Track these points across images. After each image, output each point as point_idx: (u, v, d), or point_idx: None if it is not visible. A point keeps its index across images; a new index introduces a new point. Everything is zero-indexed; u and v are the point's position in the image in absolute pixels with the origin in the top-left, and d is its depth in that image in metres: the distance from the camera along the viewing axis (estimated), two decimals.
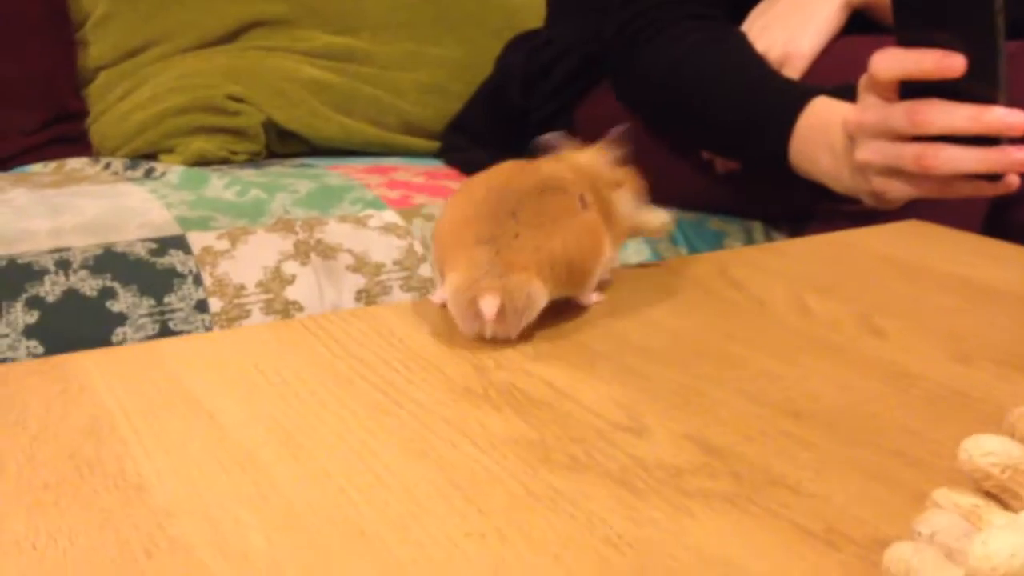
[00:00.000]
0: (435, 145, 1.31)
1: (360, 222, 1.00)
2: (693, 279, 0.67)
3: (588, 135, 1.22)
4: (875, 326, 0.59)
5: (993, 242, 0.76)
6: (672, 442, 0.46)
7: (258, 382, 0.52)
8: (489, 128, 1.27)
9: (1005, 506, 0.36)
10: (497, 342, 0.56)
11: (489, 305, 0.54)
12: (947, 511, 0.36)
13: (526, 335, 0.58)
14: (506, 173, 0.61)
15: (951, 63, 0.73)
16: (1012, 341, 0.57)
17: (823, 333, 0.59)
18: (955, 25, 0.72)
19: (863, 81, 0.81)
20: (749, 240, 1.10)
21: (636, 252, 1.09)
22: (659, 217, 0.69)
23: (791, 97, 0.92)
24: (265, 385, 0.51)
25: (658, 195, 1.16)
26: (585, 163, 0.66)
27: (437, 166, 1.22)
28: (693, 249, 1.10)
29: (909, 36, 0.75)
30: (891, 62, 0.77)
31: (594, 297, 0.63)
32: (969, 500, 0.36)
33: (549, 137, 0.69)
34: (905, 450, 0.46)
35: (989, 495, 0.38)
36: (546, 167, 0.62)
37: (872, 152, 0.79)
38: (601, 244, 0.61)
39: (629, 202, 0.67)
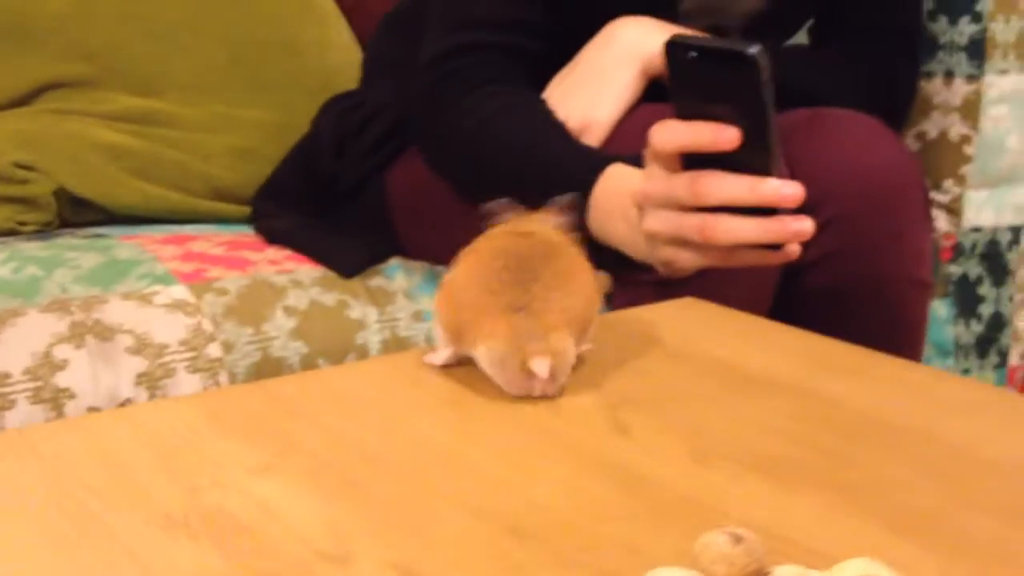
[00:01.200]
0: (246, 211, 1.26)
1: (145, 299, 0.95)
2: (450, 370, 0.65)
3: (400, 198, 1.20)
4: (621, 421, 0.58)
5: (766, 323, 0.76)
6: (375, 572, 0.43)
7: None
8: (299, 192, 1.24)
9: None
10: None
11: (542, 366, 0.59)
12: None
13: (255, 445, 0.54)
14: (506, 239, 0.66)
15: (726, 136, 0.73)
16: (752, 435, 0.56)
17: (568, 432, 0.57)
18: (727, 99, 0.72)
19: (648, 152, 0.81)
20: None
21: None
22: (600, 278, 0.74)
23: (587, 165, 0.92)
24: None
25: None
26: (545, 228, 0.70)
27: (242, 234, 1.18)
28: None
29: (686, 108, 0.75)
30: (669, 134, 0.77)
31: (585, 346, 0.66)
32: None
33: (494, 205, 0.72)
34: (618, 571, 0.44)
35: None
36: (535, 231, 0.67)
37: (658, 222, 0.79)
38: (598, 298, 0.67)
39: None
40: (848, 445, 0.55)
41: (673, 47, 0.72)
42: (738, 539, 0.37)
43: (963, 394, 0.63)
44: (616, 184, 0.88)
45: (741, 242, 0.75)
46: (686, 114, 0.75)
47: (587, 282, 0.65)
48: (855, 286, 0.88)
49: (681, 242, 0.79)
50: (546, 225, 0.70)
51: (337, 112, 1.24)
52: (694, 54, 0.71)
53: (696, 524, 0.47)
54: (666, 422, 0.58)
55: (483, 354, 0.61)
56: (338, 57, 1.39)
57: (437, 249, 1.16)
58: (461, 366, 0.64)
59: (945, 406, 0.60)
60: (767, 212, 0.74)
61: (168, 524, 0.47)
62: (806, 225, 0.72)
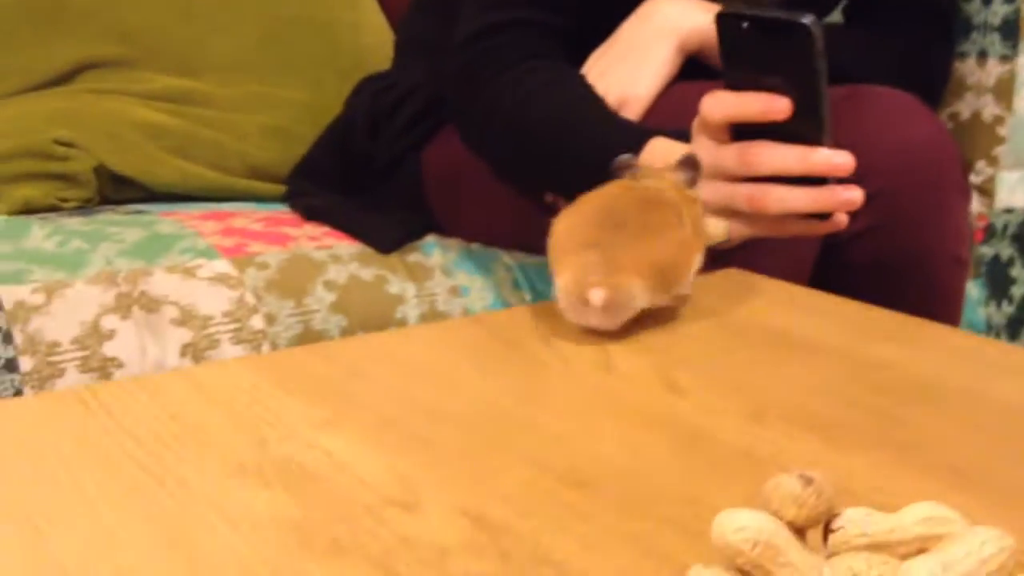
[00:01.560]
0: (281, 189, 1.28)
1: (189, 272, 0.97)
2: (502, 334, 0.66)
3: (435, 177, 1.21)
4: (674, 382, 0.59)
5: (810, 292, 0.77)
6: (444, 518, 0.45)
7: (8, 461, 0.49)
8: (334, 172, 1.25)
9: None
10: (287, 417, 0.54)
11: (597, 296, 0.62)
12: None
13: (318, 402, 0.56)
14: (613, 191, 0.69)
15: (777, 106, 0.73)
16: (804, 396, 0.57)
17: (622, 390, 0.58)
18: (779, 69, 0.73)
19: (696, 123, 0.81)
20: None
21: (479, 298, 1.08)
22: (718, 226, 0.76)
23: (631, 137, 0.92)
24: (16, 464, 0.48)
25: (502, 239, 1.16)
26: (670, 181, 0.72)
27: (279, 211, 1.20)
28: (539, 295, 1.10)
29: (737, 79, 0.76)
30: (720, 105, 0.77)
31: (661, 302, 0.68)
32: None
33: (624, 158, 0.74)
34: (681, 519, 0.45)
35: (744, 572, 0.37)
36: (648, 186, 0.70)
37: (707, 193, 0.80)
38: (691, 258, 0.69)
39: (702, 216, 0.74)
40: (899, 406, 0.56)
41: (724, 19, 0.72)
42: (808, 481, 0.38)
43: (1008, 358, 0.64)
44: (660, 155, 0.89)
45: (792, 211, 0.75)
46: (737, 86, 0.76)
47: (676, 240, 0.67)
48: (894, 260, 0.89)
49: (730, 212, 0.79)
50: (666, 180, 0.72)
51: (370, 92, 1.25)
52: (746, 25, 0.71)
53: (755, 476, 0.48)
54: (719, 382, 0.59)
55: (557, 286, 0.65)
56: (370, 38, 1.40)
57: (473, 227, 1.17)
58: (511, 332, 0.65)
59: (992, 369, 0.61)
60: (816, 182, 0.74)
61: (241, 472, 0.48)
62: (856, 194, 0.73)
